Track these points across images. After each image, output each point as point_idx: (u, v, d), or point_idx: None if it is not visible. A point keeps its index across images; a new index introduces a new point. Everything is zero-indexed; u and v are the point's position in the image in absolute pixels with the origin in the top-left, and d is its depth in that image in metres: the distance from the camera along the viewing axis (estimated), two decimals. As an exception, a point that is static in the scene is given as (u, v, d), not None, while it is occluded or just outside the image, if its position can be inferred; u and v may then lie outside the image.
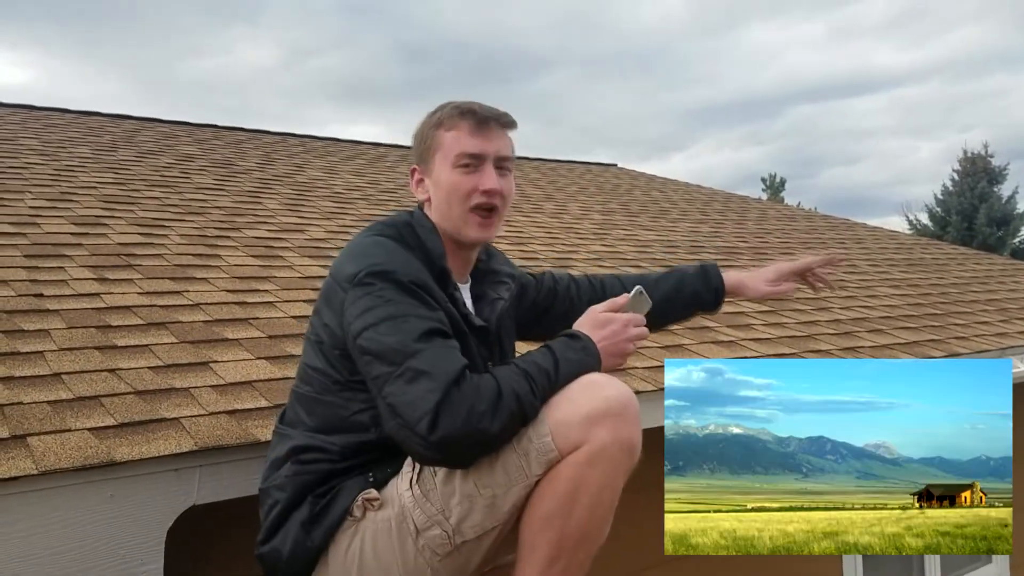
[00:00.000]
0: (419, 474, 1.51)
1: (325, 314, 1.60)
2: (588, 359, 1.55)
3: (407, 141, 2.32)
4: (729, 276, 2.13)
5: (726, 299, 2.15)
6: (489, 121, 1.69)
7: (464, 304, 1.68)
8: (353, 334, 1.50)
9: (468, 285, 1.78)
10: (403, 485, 1.52)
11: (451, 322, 1.56)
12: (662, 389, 2.44)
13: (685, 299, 2.08)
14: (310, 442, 1.58)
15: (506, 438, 1.44)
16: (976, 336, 3.98)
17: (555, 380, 1.49)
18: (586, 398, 1.47)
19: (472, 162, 1.67)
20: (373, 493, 1.53)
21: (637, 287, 1.70)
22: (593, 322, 1.63)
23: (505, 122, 1.73)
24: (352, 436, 1.57)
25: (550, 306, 2.02)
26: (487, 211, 1.68)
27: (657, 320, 1.93)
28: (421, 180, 1.75)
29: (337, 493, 1.54)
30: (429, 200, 1.72)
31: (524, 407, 1.44)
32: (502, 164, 1.70)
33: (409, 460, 1.54)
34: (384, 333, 1.46)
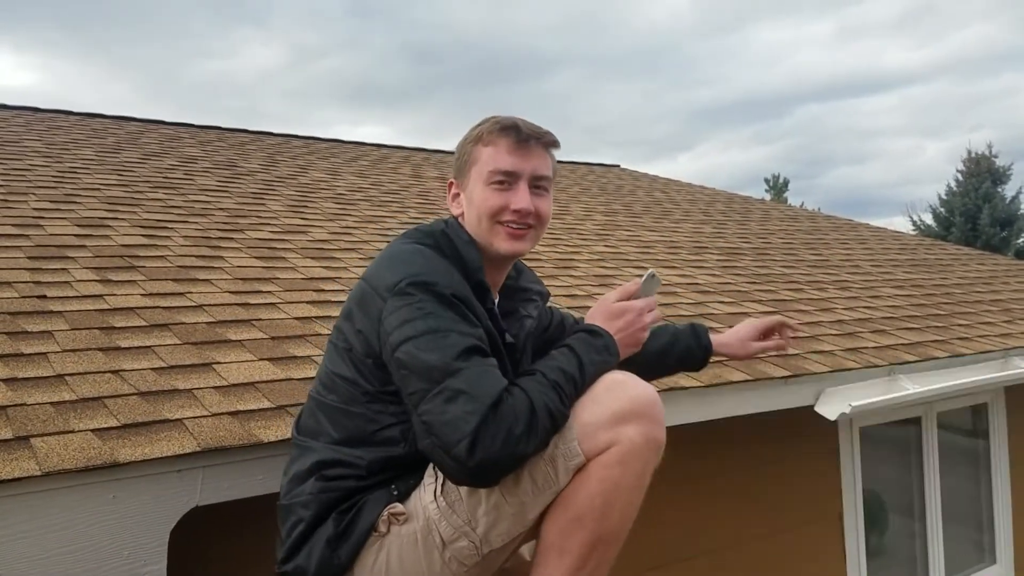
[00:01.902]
0: (443, 485, 1.48)
1: (359, 320, 1.54)
2: (610, 358, 1.54)
3: (412, 142, 2.31)
4: (713, 336, 2.13)
5: (712, 358, 2.15)
6: (530, 139, 1.65)
7: (500, 320, 1.65)
8: (391, 346, 1.45)
9: (497, 301, 1.74)
10: (427, 497, 1.50)
11: (488, 339, 1.52)
12: (667, 389, 2.45)
13: (679, 353, 2.08)
14: (335, 456, 1.53)
15: (538, 453, 1.42)
16: (979, 337, 3.98)
17: (581, 384, 1.47)
18: (612, 399, 1.46)
19: (506, 179, 1.63)
20: (399, 507, 1.50)
21: (649, 270, 1.67)
22: (608, 313, 1.61)
23: (547, 141, 1.68)
24: (380, 450, 1.52)
25: (557, 338, 1.94)
26: (518, 227, 1.64)
27: (648, 372, 1.89)
28: (457, 195, 1.70)
29: (361, 507, 1.51)
30: (463, 216, 1.68)
31: (556, 420, 1.42)
32: (538, 184, 1.66)
33: (431, 470, 1.51)
34: (424, 348, 1.41)
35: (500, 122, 1.66)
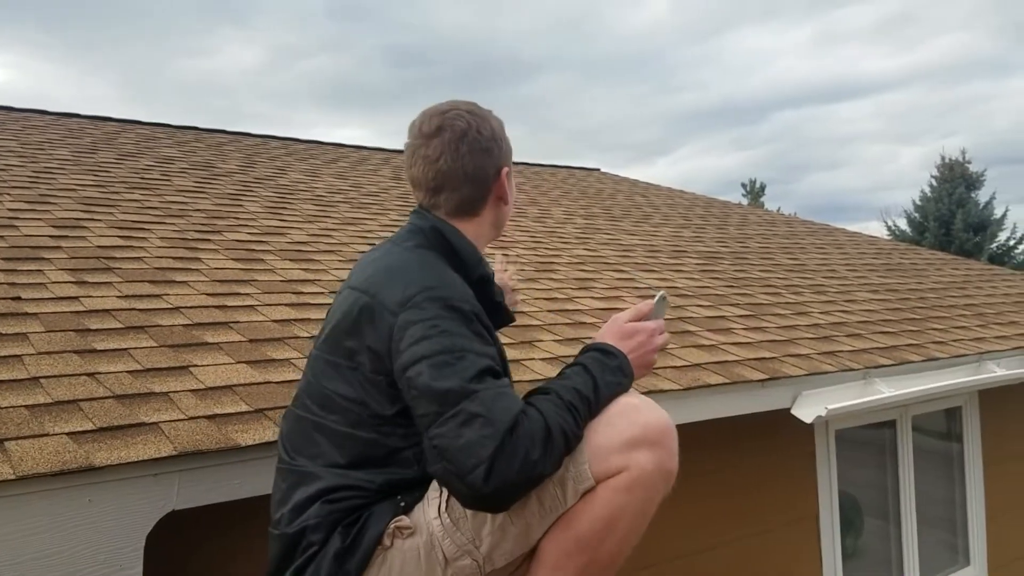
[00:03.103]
0: (448, 501, 1.44)
1: (369, 336, 1.47)
2: (624, 380, 1.52)
3: (393, 144, 2.30)
4: None
5: None
6: None
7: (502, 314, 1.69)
8: (402, 364, 1.40)
9: None
10: (431, 512, 1.45)
11: (497, 349, 1.49)
12: (644, 392, 2.45)
13: None
14: (343, 482, 1.47)
15: (552, 475, 1.39)
16: (954, 341, 4.03)
17: (595, 407, 1.45)
18: (626, 423, 1.44)
19: None
20: (404, 521, 1.45)
21: (661, 292, 1.67)
22: (620, 333, 1.60)
23: None
24: (391, 473, 1.48)
25: None
26: None
27: None
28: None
29: (367, 520, 1.46)
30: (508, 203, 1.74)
31: (571, 443, 1.39)
32: None
33: (435, 483, 1.47)
34: (438, 368, 1.36)
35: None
